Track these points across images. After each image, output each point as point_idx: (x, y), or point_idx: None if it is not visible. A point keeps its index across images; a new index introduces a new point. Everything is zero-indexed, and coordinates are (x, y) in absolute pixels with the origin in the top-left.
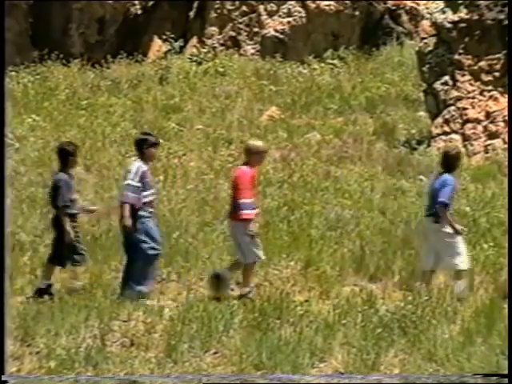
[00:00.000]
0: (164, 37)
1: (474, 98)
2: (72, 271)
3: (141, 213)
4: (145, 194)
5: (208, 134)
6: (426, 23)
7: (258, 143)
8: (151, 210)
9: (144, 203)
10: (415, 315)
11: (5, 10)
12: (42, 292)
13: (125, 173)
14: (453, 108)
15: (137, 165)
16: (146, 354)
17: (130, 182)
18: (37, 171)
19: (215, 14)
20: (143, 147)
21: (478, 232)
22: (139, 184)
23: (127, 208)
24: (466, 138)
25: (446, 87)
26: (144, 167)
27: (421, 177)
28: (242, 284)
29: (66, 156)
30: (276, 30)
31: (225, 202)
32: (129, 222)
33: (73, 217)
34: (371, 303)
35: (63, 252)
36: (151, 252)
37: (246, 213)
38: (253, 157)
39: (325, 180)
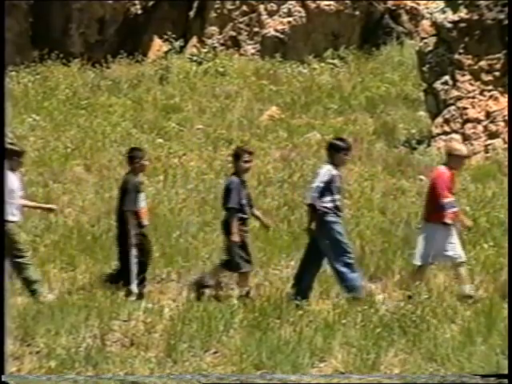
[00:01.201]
0: (164, 37)
1: (474, 97)
2: (240, 276)
3: (329, 218)
4: (332, 198)
5: (208, 133)
6: (426, 23)
7: (461, 147)
8: (339, 214)
9: (331, 207)
10: (415, 315)
11: (5, 9)
12: (203, 286)
13: (314, 175)
14: (453, 108)
15: (326, 168)
16: (146, 353)
17: (319, 184)
18: (37, 171)
19: (215, 14)
20: (335, 152)
21: (478, 232)
22: (323, 186)
23: (315, 211)
24: (466, 138)
25: (446, 87)
26: (334, 171)
27: (421, 177)
28: (459, 282)
29: (239, 160)
30: (276, 30)
31: None
32: (316, 225)
33: (242, 221)
34: (371, 303)
35: (235, 257)
36: (345, 257)
37: (451, 212)
38: (453, 159)
39: None
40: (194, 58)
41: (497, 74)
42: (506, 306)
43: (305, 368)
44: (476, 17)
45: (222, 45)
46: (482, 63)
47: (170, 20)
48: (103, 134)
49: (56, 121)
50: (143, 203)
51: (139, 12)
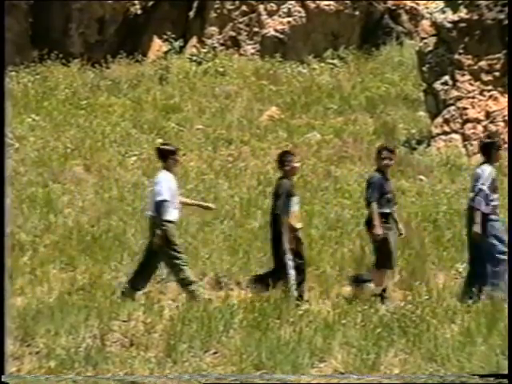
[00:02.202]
0: (164, 37)
1: (473, 97)
2: (377, 274)
3: (491, 216)
4: (493, 197)
5: (208, 133)
6: (425, 23)
7: None
8: (497, 212)
9: (493, 206)
10: (415, 315)
11: (5, 9)
12: (362, 281)
13: (474, 176)
14: (453, 108)
15: (487, 169)
16: (146, 353)
17: (482, 187)
18: (37, 171)
19: (215, 14)
20: (492, 150)
21: None
22: (489, 189)
23: (479, 215)
24: (465, 138)
25: (445, 87)
26: (493, 171)
27: (421, 177)
28: None
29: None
30: (276, 30)
31: (224, 201)
32: (479, 229)
33: (385, 216)
34: (371, 303)
35: (384, 254)
36: (501, 256)
37: None
38: None
39: (325, 180)
40: (194, 58)
41: (497, 74)
42: (506, 306)
43: (305, 368)
44: (476, 17)
45: (222, 45)
46: (482, 63)
47: (169, 20)
48: (103, 134)
49: (56, 121)
50: (296, 207)
51: (139, 12)
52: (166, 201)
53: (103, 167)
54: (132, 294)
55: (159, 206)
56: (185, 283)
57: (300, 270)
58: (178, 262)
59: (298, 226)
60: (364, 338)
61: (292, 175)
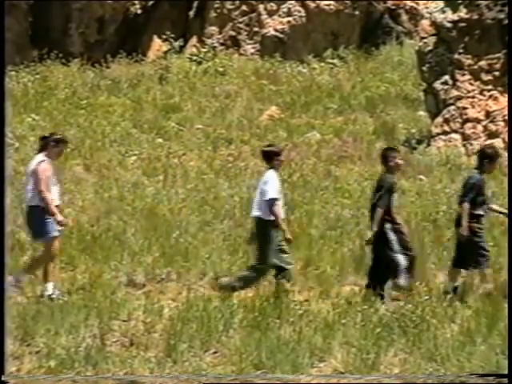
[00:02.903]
0: (164, 36)
1: (473, 97)
2: (480, 275)
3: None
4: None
5: (208, 133)
6: (425, 23)
7: None
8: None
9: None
10: (415, 315)
11: (5, 9)
12: (453, 293)
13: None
14: (453, 107)
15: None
16: (146, 353)
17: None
18: None
19: (215, 14)
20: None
21: None
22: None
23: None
24: (465, 138)
25: (445, 87)
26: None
27: (421, 176)
28: None
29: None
30: (276, 30)
31: (224, 201)
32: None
33: (477, 217)
34: (371, 303)
35: (467, 254)
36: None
37: None
38: None
39: (325, 179)
40: (194, 57)
41: (496, 73)
42: (506, 305)
43: (304, 368)
44: (476, 16)
45: (222, 44)
46: (482, 63)
47: (169, 20)
48: (103, 134)
49: (55, 120)
50: (396, 203)
51: (139, 12)
52: (276, 199)
53: (103, 167)
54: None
55: (271, 205)
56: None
57: (409, 260)
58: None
59: (398, 221)
60: (364, 338)
61: (396, 171)
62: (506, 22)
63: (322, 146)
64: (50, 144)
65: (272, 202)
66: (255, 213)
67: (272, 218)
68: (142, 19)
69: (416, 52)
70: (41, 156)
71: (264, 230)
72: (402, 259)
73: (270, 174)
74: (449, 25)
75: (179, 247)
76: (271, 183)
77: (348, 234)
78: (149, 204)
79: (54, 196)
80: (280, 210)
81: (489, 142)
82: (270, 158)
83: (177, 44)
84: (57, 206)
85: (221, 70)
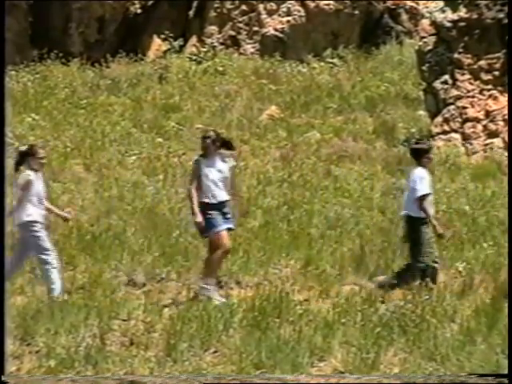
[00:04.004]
0: (163, 36)
1: (473, 97)
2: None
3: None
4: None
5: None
6: (425, 22)
7: None
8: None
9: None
10: (415, 314)
11: (5, 9)
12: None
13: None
14: (452, 107)
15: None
16: (146, 353)
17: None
18: None
19: (215, 13)
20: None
21: (477, 231)
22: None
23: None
24: (465, 137)
25: (445, 86)
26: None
27: None
28: None
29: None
30: (276, 29)
31: None
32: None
33: None
34: (371, 302)
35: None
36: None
37: None
38: None
39: (324, 179)
40: (194, 57)
41: (496, 73)
42: (506, 305)
43: (304, 367)
44: (475, 16)
45: (222, 44)
46: (482, 62)
47: (169, 19)
48: (103, 134)
49: (55, 120)
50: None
51: (139, 11)
52: (427, 195)
53: (103, 166)
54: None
55: (421, 201)
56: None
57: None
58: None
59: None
60: (364, 337)
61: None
62: (506, 21)
63: (321, 145)
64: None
65: (422, 199)
66: (405, 211)
67: (422, 215)
68: (142, 19)
69: (416, 51)
70: None
71: (415, 227)
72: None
73: (419, 172)
74: (449, 24)
75: (179, 247)
76: (422, 181)
77: (348, 233)
78: (149, 203)
79: None
80: (430, 206)
81: (489, 141)
82: (420, 155)
83: (176, 44)
84: None
85: (221, 69)
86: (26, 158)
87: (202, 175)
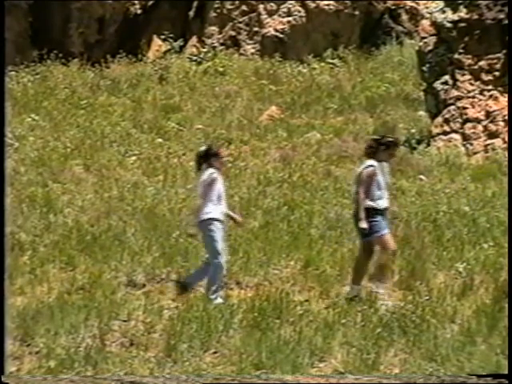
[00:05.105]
0: (163, 36)
1: (473, 97)
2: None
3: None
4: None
5: (208, 133)
6: (425, 23)
7: None
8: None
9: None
10: (415, 315)
11: (5, 9)
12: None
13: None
14: (453, 107)
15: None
16: (146, 353)
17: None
18: (36, 171)
19: (215, 14)
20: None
21: (477, 232)
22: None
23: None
24: (465, 138)
25: (445, 87)
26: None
27: (421, 176)
28: None
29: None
30: (276, 30)
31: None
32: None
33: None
34: (371, 303)
35: None
36: None
37: None
38: None
39: (325, 179)
40: (194, 57)
41: (497, 73)
42: (506, 306)
43: (304, 368)
44: (476, 16)
45: (222, 44)
46: (482, 63)
47: (169, 20)
48: (103, 134)
49: (55, 120)
50: None
51: (139, 12)
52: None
53: (103, 167)
54: None
55: None
56: None
57: None
58: None
59: None
60: (364, 338)
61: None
62: (506, 21)
63: (321, 145)
64: (380, 148)
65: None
66: None
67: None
68: (142, 19)
69: (416, 52)
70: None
71: None
72: None
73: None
74: (449, 25)
75: (179, 247)
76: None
77: (348, 234)
78: (149, 204)
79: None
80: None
81: (489, 141)
82: (208, 158)
83: (177, 44)
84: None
85: (221, 70)
86: (208, 157)
87: (375, 181)
